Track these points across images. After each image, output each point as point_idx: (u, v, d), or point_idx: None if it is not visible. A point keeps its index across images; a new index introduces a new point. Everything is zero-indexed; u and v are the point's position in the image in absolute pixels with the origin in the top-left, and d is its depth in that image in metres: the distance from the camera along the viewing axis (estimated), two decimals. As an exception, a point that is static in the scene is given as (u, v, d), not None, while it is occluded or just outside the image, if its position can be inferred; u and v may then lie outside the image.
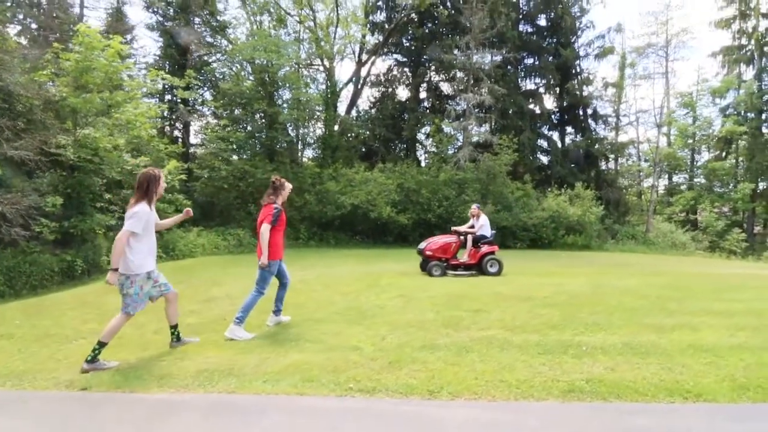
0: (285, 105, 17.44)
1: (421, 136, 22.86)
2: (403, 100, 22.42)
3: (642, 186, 27.69)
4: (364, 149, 20.78)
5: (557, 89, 23.10)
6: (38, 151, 7.74)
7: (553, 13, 21.97)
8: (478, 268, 7.93)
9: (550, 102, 23.78)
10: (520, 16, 22.54)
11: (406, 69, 22.48)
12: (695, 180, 25.86)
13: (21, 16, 13.99)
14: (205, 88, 18.09)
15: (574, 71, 22.56)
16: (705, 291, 6.19)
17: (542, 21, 22.96)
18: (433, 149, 20.65)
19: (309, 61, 19.55)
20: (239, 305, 4.09)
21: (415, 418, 2.46)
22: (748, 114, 23.37)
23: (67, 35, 11.37)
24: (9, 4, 12.46)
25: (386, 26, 20.75)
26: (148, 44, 23.36)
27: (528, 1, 22.85)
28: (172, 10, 16.71)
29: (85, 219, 8.53)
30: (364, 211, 15.01)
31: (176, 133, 17.47)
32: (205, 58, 17.73)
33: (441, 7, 20.18)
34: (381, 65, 27.50)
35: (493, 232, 8.40)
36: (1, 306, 5.89)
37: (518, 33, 21.50)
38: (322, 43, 18.36)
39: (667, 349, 3.49)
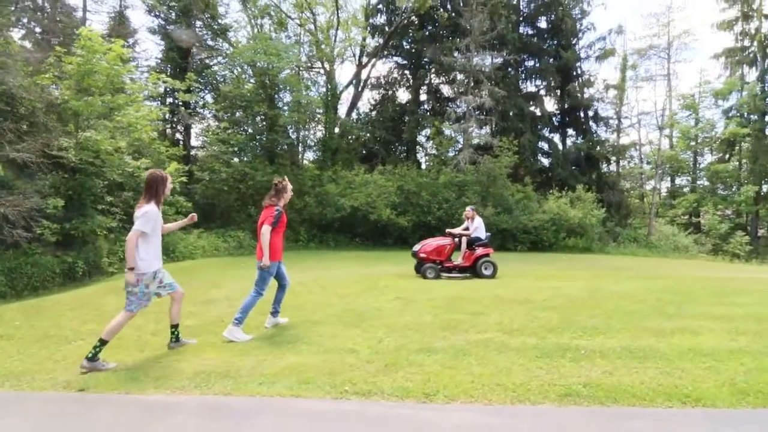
0: (285, 107, 17.51)
1: (421, 139, 22.88)
2: (404, 102, 22.45)
3: (644, 188, 27.44)
4: (364, 151, 20.81)
5: (558, 91, 23.03)
6: (40, 154, 7.80)
7: (553, 15, 21.96)
8: (472, 270, 7.89)
9: (550, 104, 23.79)
10: (521, 18, 22.54)
11: (407, 71, 22.51)
12: (698, 182, 25.68)
13: (25, 20, 14.12)
14: (206, 91, 18.20)
15: (575, 73, 22.49)
16: (705, 295, 6.12)
17: (543, 23, 22.97)
18: (434, 151, 20.68)
19: (309, 64, 19.66)
20: (238, 307, 4.10)
21: (411, 422, 2.45)
22: (751, 116, 23.23)
23: (70, 39, 11.47)
24: (13, 8, 12.56)
25: (386, 29, 20.81)
26: (149, 47, 23.78)
27: (528, 3, 22.85)
28: (173, 14, 16.83)
29: (86, 221, 8.58)
30: (363, 213, 15.02)
31: (177, 135, 17.54)
32: (206, 61, 17.87)
33: (441, 9, 20.21)
34: (381, 68, 27.55)
35: (488, 234, 8.34)
36: (1, 306, 5.91)
37: (518, 35, 21.48)
38: (323, 46, 18.45)
39: (666, 353, 3.46)
